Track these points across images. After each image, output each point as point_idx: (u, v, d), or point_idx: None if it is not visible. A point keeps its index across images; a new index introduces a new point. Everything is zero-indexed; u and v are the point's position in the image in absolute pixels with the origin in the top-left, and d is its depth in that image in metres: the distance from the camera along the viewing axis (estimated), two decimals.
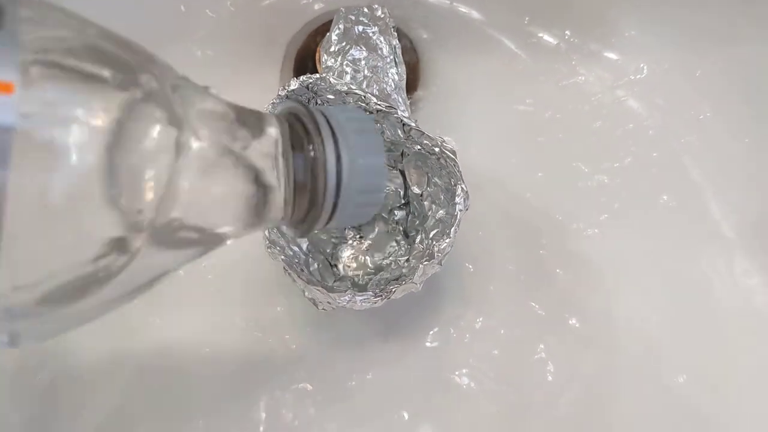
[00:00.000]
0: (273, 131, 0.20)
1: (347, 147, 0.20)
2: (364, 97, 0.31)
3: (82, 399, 0.33)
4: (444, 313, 0.36)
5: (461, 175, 0.30)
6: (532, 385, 0.35)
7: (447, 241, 0.30)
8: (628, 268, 0.37)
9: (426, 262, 0.30)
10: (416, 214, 0.34)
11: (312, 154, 0.20)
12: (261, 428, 0.34)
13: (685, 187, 0.38)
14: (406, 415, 0.35)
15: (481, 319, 0.36)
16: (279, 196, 0.20)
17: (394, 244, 0.35)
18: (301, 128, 0.20)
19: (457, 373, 0.35)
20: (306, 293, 0.32)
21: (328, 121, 0.20)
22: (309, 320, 0.36)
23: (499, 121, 0.40)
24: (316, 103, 0.33)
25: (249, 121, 0.19)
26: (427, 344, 0.36)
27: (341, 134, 0.20)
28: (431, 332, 0.36)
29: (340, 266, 0.35)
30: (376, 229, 0.36)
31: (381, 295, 0.30)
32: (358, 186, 0.20)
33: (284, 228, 0.22)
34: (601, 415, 0.34)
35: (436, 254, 0.30)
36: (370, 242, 0.35)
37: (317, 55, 0.39)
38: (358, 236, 0.35)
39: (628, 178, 0.38)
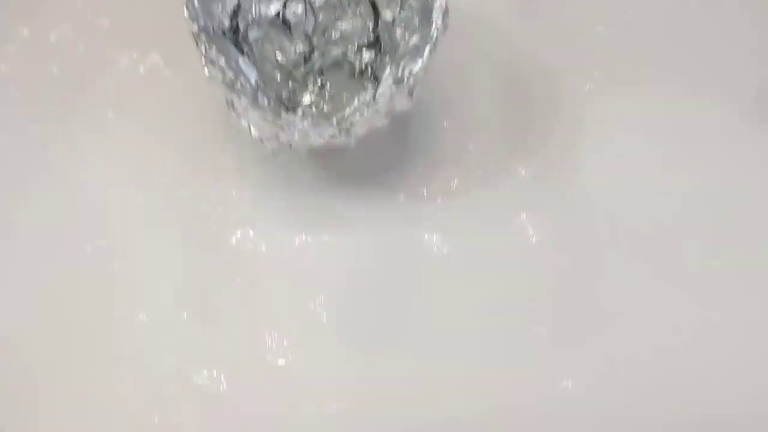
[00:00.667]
0: None
1: None
2: None
3: None
4: (415, 172, 0.32)
5: None
6: (512, 250, 0.31)
7: (419, 63, 0.25)
8: (622, 126, 0.32)
9: (394, 88, 0.25)
10: (386, 49, 0.29)
11: None
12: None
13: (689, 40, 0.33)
14: (362, 282, 0.31)
15: (456, 179, 0.32)
16: None
17: (362, 91, 0.30)
18: None
19: (428, 233, 0.31)
20: (253, 131, 0.27)
21: None
22: (260, 170, 0.31)
23: None
24: None
25: None
26: (393, 203, 0.31)
27: None
28: (399, 192, 0.31)
29: (299, 110, 0.30)
30: (341, 75, 0.31)
31: (339, 126, 0.25)
32: None
33: None
34: (585, 282, 0.30)
35: (405, 78, 0.25)
36: (333, 89, 0.30)
37: None
38: (319, 83, 0.30)
39: (629, 31, 0.34)
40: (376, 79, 0.30)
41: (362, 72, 0.31)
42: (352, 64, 0.31)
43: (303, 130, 0.25)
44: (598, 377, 0.28)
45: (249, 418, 0.28)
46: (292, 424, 0.28)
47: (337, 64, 0.31)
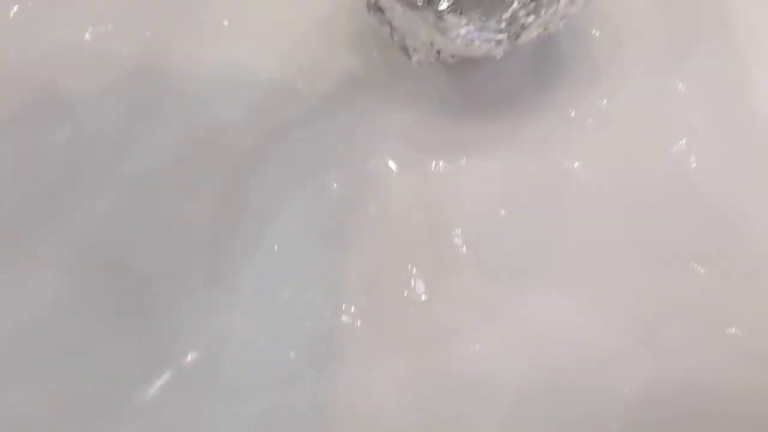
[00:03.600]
0: None
1: None
2: None
3: None
4: (561, 90, 0.28)
5: None
6: (669, 180, 0.27)
7: None
8: None
9: None
10: None
11: None
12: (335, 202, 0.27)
13: None
14: (503, 213, 0.28)
15: (606, 99, 0.28)
16: None
17: None
18: None
19: (571, 162, 0.28)
20: (396, 38, 0.23)
21: None
22: (390, 84, 0.28)
23: None
24: None
25: None
26: (538, 124, 0.28)
27: None
28: (544, 111, 0.28)
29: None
30: None
31: (508, 31, 0.21)
32: None
33: None
34: (755, 223, 0.27)
35: None
36: None
37: None
38: None
39: None
40: None
41: None
42: None
43: (466, 35, 0.22)
44: None
45: (386, 354, 0.26)
46: (431, 361, 0.26)
47: None
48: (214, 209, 0.27)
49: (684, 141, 0.28)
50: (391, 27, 0.23)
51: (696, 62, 0.28)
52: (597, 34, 0.29)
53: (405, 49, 0.24)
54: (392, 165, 0.28)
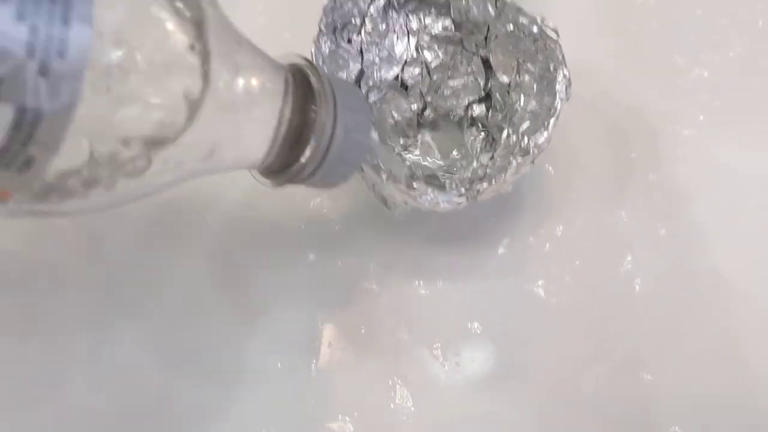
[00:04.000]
0: (281, 80, 0.21)
1: (343, 119, 0.22)
2: None
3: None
4: (522, 220, 0.33)
5: (564, 59, 0.26)
6: (618, 298, 0.32)
7: (545, 135, 0.26)
8: (727, 175, 0.33)
9: (519, 159, 0.26)
10: (499, 107, 0.30)
11: (313, 115, 0.21)
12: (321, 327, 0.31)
13: None
14: (477, 326, 0.32)
15: (562, 226, 0.33)
16: (269, 138, 0.21)
17: (472, 138, 0.31)
18: (304, 86, 0.22)
19: (534, 284, 0.32)
20: (376, 193, 0.28)
21: (333, 89, 0.22)
22: (372, 224, 0.33)
23: (585, 7, 0.35)
24: None
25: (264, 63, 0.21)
26: (503, 252, 0.33)
27: (342, 105, 0.22)
28: (506, 240, 0.33)
29: (411, 161, 0.31)
30: (451, 127, 0.32)
31: (466, 195, 0.26)
32: (342, 157, 0.22)
33: (253, 173, 0.23)
34: (693, 330, 0.31)
35: (531, 150, 0.26)
36: (444, 143, 0.32)
37: None
38: (429, 137, 0.32)
39: (732, 73, 0.34)
40: (490, 135, 0.31)
41: (472, 123, 0.32)
42: (462, 118, 0.32)
43: (432, 200, 0.26)
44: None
45: None
46: None
47: (448, 118, 0.32)
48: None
49: (629, 262, 0.32)
50: (373, 188, 0.28)
51: (635, 193, 0.33)
52: (551, 170, 0.34)
53: (384, 203, 0.29)
54: (377, 288, 0.32)
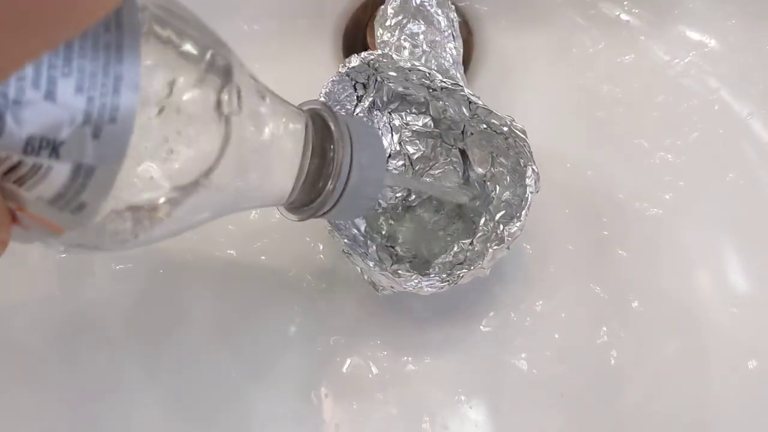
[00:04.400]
0: (302, 126, 0.23)
1: (359, 158, 0.24)
2: (429, 74, 0.30)
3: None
4: (503, 297, 0.35)
5: (532, 156, 0.29)
6: (596, 370, 0.34)
7: (517, 224, 0.28)
8: (693, 250, 0.35)
9: (495, 247, 0.29)
10: (476, 194, 0.33)
11: (332, 155, 0.23)
12: (322, 409, 0.33)
13: (752, 164, 0.36)
14: (464, 399, 0.34)
15: (541, 302, 0.35)
16: (293, 178, 0.23)
17: (453, 224, 0.34)
18: (323, 129, 0.24)
19: (517, 357, 0.34)
20: (366, 277, 0.31)
21: (349, 130, 0.24)
22: (363, 303, 0.35)
23: (557, 96, 0.38)
24: (376, 80, 0.32)
25: (286, 110, 0.23)
26: (486, 328, 0.35)
27: (357, 145, 0.24)
28: (489, 316, 0.35)
29: (397, 247, 0.34)
30: (432, 210, 0.35)
31: (448, 280, 0.29)
32: (359, 192, 0.24)
33: (279, 209, 0.25)
34: (667, 401, 0.33)
35: (505, 239, 0.28)
36: (427, 226, 0.34)
37: (368, 29, 0.38)
38: (412, 221, 0.34)
39: (692, 155, 0.37)
40: (469, 222, 0.34)
41: (453, 210, 0.34)
42: (443, 203, 0.35)
43: (416, 284, 0.29)
44: None
45: None
46: None
47: (430, 204, 0.35)
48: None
49: (605, 334, 0.35)
50: (362, 272, 0.31)
51: (608, 269, 0.35)
52: (529, 249, 0.36)
53: (373, 286, 0.31)
54: (369, 364, 0.34)
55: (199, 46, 0.19)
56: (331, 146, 0.23)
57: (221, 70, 0.19)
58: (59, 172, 0.15)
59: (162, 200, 0.18)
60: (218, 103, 0.19)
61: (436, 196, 0.33)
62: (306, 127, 0.23)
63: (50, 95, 0.15)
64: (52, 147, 0.15)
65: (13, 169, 0.15)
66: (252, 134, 0.20)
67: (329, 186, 0.23)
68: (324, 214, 0.25)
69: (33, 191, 0.16)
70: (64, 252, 0.19)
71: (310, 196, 0.24)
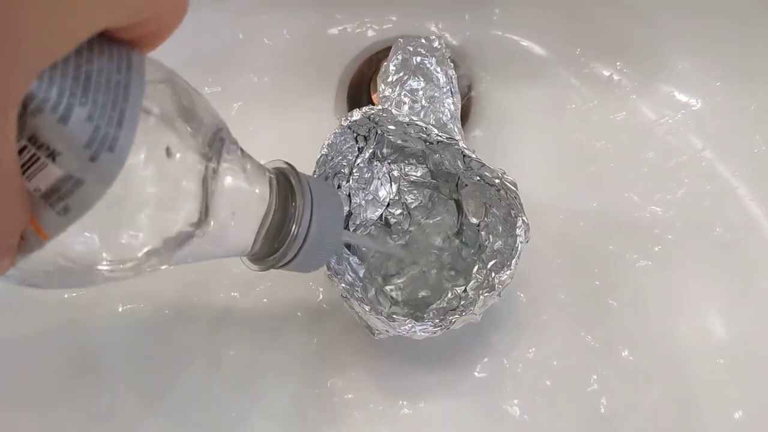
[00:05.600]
0: (267, 185, 0.25)
1: (318, 212, 0.26)
2: (426, 128, 0.32)
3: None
4: (496, 343, 0.36)
5: (522, 207, 0.30)
6: (586, 417, 0.35)
7: (507, 273, 0.30)
8: (682, 301, 0.37)
9: (486, 294, 0.30)
10: (470, 243, 0.34)
11: (293, 209, 0.25)
12: None
13: (739, 219, 0.38)
14: None
15: (533, 349, 0.36)
16: (256, 230, 0.24)
17: (448, 271, 0.35)
18: (286, 187, 0.25)
19: (509, 403, 0.35)
20: (362, 321, 0.32)
21: (309, 187, 0.26)
22: (360, 347, 0.36)
23: (551, 151, 0.40)
24: (377, 133, 0.33)
25: (256, 170, 0.24)
26: (480, 374, 0.36)
27: (317, 200, 0.26)
28: (483, 361, 0.36)
29: (395, 293, 0.35)
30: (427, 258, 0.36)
31: (441, 326, 0.30)
32: (319, 243, 0.26)
33: (243, 259, 0.27)
34: None
35: (496, 286, 0.30)
36: (423, 271, 0.36)
37: (372, 83, 0.40)
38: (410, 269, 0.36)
39: (681, 209, 0.38)
40: (462, 270, 0.35)
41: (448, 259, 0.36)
42: (440, 251, 0.36)
43: (410, 329, 0.30)
44: None
45: None
46: None
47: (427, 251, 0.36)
48: None
49: (595, 382, 0.35)
50: (359, 316, 0.32)
51: (598, 318, 0.36)
52: (522, 297, 0.37)
53: (369, 329, 0.32)
54: (362, 409, 0.35)
55: (192, 106, 0.20)
56: (293, 203, 0.25)
57: (209, 133, 0.21)
58: (53, 171, 0.17)
59: (137, 243, 0.20)
60: (203, 156, 0.21)
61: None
62: (270, 184, 0.25)
63: (64, 119, 0.16)
64: (51, 152, 0.17)
65: (20, 152, 0.17)
66: (223, 193, 0.22)
67: (291, 235, 0.25)
68: (285, 264, 0.26)
69: (32, 182, 0.17)
70: (18, 282, 0.20)
71: (271, 248, 0.25)
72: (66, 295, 0.36)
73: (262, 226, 0.24)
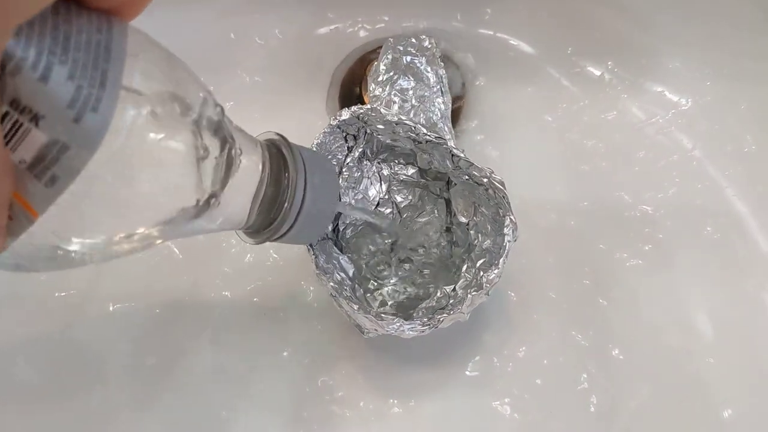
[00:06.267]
0: (259, 156, 0.24)
1: (312, 179, 0.25)
2: (414, 127, 0.32)
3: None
4: (487, 342, 0.36)
5: (510, 207, 0.31)
6: (576, 415, 0.35)
7: (495, 272, 0.30)
8: (672, 299, 0.37)
9: (474, 293, 0.30)
10: (459, 243, 0.35)
11: (287, 180, 0.25)
12: None
13: (729, 218, 0.38)
14: None
15: (524, 348, 0.36)
16: (250, 203, 0.24)
17: (443, 280, 0.35)
18: (279, 158, 0.25)
19: (499, 402, 0.35)
20: (351, 320, 0.32)
21: (302, 156, 0.25)
22: (351, 345, 0.36)
23: (542, 150, 0.40)
24: (366, 132, 0.34)
25: (246, 141, 0.24)
26: (470, 373, 0.36)
27: (310, 168, 0.25)
28: (474, 360, 0.36)
29: (384, 291, 0.35)
30: (420, 257, 0.36)
31: (429, 324, 0.30)
32: (314, 212, 0.25)
33: (237, 232, 0.26)
34: None
35: (484, 285, 0.30)
36: (415, 268, 0.36)
37: (363, 82, 0.40)
38: (402, 266, 0.36)
39: (671, 208, 0.38)
40: (452, 267, 0.35)
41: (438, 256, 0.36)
42: (428, 249, 0.36)
43: (399, 328, 0.30)
44: None
45: None
46: None
47: (417, 251, 0.36)
48: None
49: (585, 380, 0.35)
50: (348, 316, 0.32)
51: (588, 317, 0.37)
52: (513, 296, 0.37)
53: (359, 328, 0.32)
54: (353, 408, 0.35)
55: (177, 72, 0.20)
56: (286, 174, 0.25)
57: (196, 99, 0.20)
58: (38, 137, 0.16)
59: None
60: (192, 134, 0.20)
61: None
62: (263, 155, 0.24)
63: (44, 78, 0.16)
64: (34, 115, 0.16)
65: (2, 120, 0.16)
66: (215, 165, 0.21)
67: (286, 205, 0.25)
68: (279, 238, 0.26)
69: (17, 153, 0.17)
70: (13, 268, 0.20)
71: (268, 219, 0.25)
72: (56, 294, 0.36)
73: (256, 198, 0.24)
